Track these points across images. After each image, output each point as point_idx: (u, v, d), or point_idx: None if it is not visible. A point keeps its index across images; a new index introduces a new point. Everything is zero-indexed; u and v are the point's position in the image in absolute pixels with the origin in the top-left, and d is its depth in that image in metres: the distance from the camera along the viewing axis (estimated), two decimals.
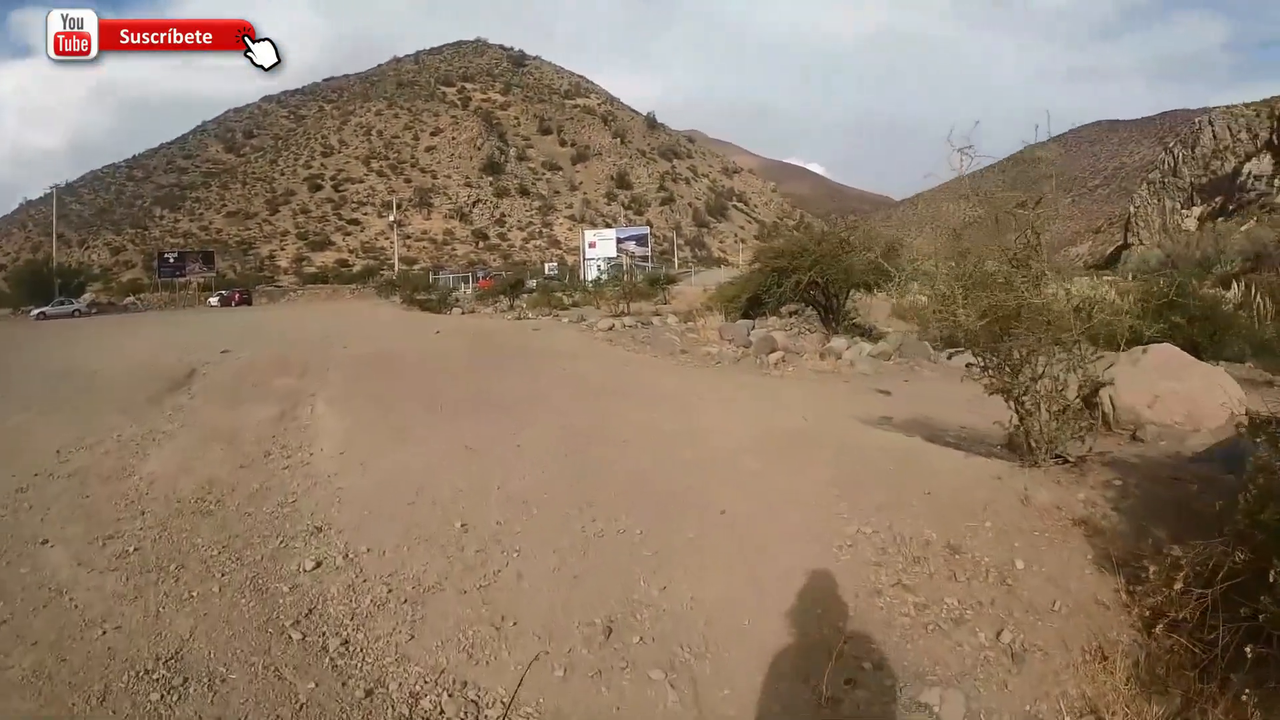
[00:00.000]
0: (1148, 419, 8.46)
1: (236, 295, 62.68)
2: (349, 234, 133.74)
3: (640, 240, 77.40)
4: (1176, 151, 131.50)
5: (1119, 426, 8.48)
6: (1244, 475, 3.94)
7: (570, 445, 7.42)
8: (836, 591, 4.57)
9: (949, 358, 14.26)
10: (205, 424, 8.87)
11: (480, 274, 74.57)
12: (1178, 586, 3.65)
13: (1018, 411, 5.86)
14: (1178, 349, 9.64)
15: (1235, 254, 71.28)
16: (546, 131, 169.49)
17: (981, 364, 6.04)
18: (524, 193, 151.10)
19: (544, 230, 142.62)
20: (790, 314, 20.34)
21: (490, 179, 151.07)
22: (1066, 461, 5.70)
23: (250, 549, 5.55)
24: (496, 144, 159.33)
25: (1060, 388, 5.65)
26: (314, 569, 5.26)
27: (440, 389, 10.92)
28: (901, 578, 4.63)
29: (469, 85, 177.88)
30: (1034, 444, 5.75)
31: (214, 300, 59.96)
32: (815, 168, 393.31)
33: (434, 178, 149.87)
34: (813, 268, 17.91)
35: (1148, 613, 3.88)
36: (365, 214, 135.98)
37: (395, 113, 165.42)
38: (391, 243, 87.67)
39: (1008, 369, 5.77)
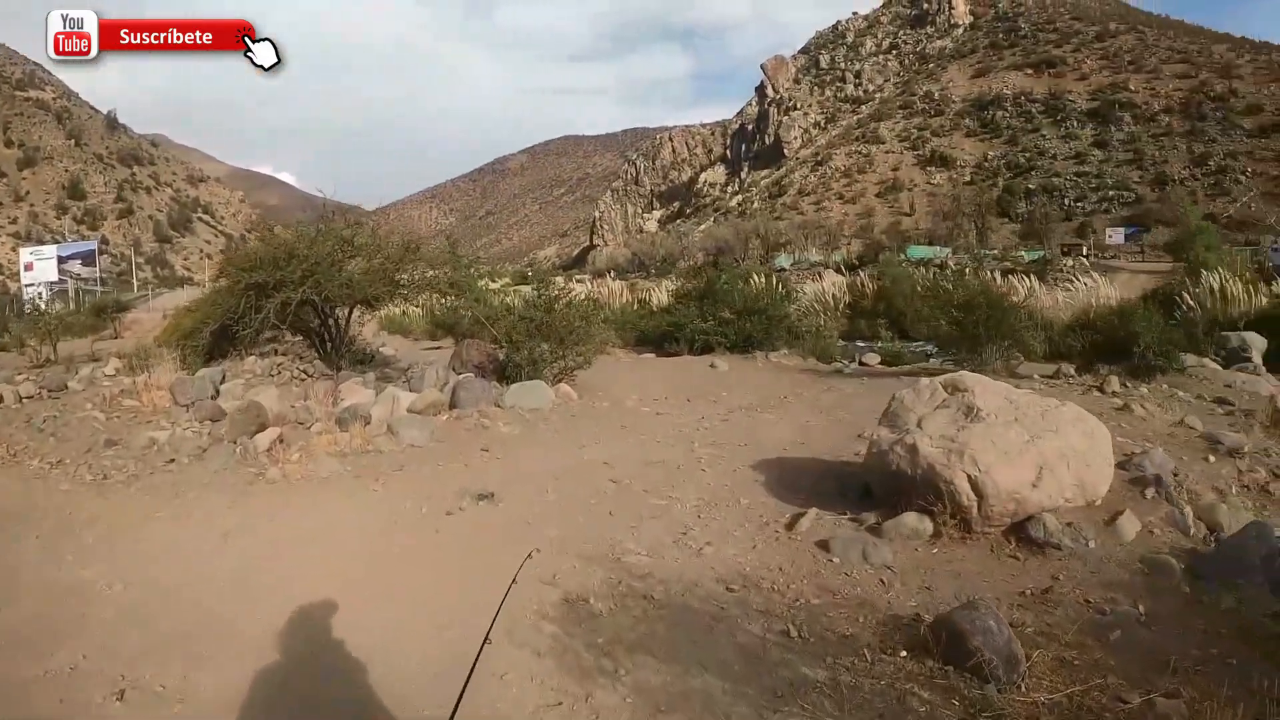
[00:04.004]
0: (1036, 504, 5.09)
1: None
2: None
3: (87, 258, 63.32)
4: (639, 163, 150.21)
5: (990, 523, 5.10)
6: None
7: None
8: None
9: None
10: None
11: None
12: None
13: None
14: (976, 374, 6.48)
15: (697, 250, 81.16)
16: None
17: None
18: None
19: None
20: (270, 343, 14.25)
21: None
22: None
23: None
24: None
25: None
26: None
27: None
28: None
29: None
30: None
31: None
32: (286, 176, 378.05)
33: None
34: (306, 280, 11.89)
35: None
36: None
37: None
38: None
39: None
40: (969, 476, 4.86)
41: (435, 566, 4.97)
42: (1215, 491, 6.11)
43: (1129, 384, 11.22)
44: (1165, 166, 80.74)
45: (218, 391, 10.74)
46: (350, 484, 7.00)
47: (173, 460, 8.04)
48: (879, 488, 5.56)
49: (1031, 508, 4.91)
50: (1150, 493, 5.55)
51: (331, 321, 13.78)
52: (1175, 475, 6.11)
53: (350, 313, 14.05)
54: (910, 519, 5.03)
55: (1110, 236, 66.56)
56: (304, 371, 13.20)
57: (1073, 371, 12.27)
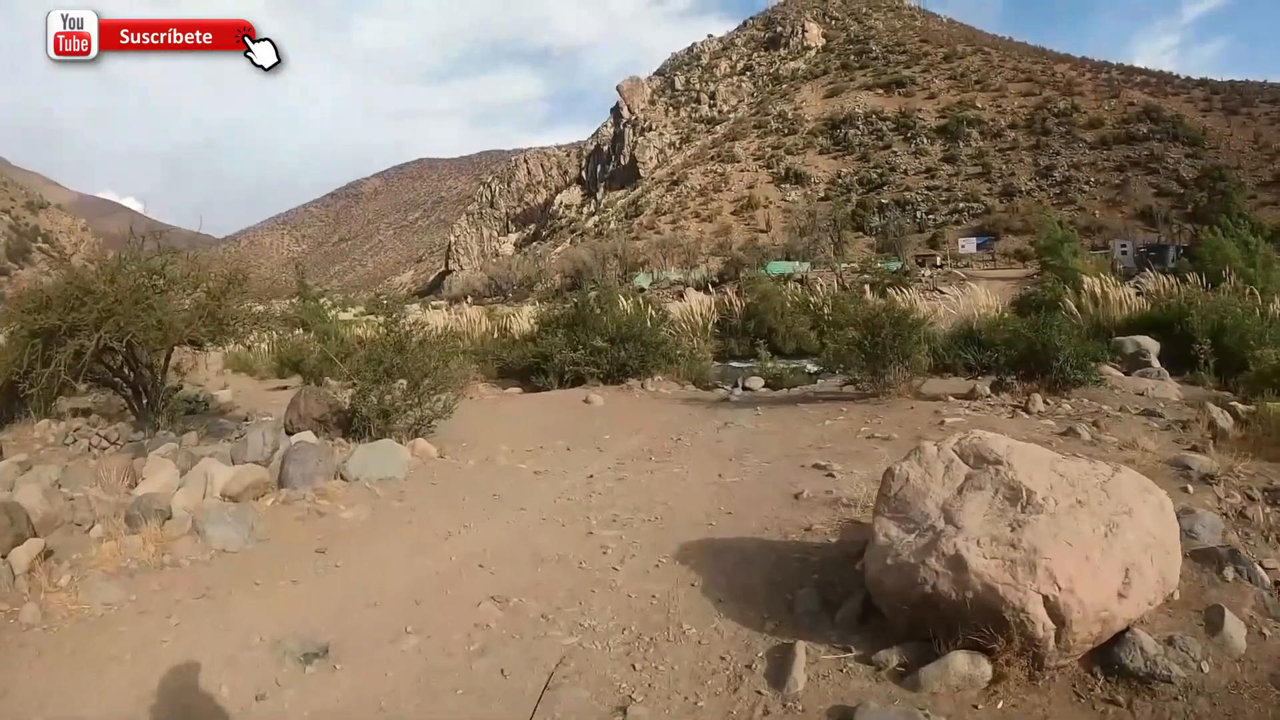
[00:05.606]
0: (1124, 618, 3.56)
1: None
2: None
3: None
4: (494, 186, 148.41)
5: (1068, 653, 3.48)
6: None
7: None
8: None
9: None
10: None
11: None
12: None
13: None
14: (1002, 436, 5.03)
15: (554, 272, 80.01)
16: None
17: None
18: None
19: None
20: (91, 390, 12.49)
21: None
22: None
23: None
24: None
25: None
26: None
27: None
28: None
29: None
30: None
31: None
32: (131, 203, 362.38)
33: None
34: (104, 322, 9.83)
35: None
36: None
37: None
38: None
39: None
40: (1045, 598, 3.27)
41: None
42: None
43: (1050, 401, 10.46)
44: (1012, 179, 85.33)
45: None
46: (129, 628, 4.69)
47: None
48: (898, 613, 3.85)
49: (1117, 624, 3.40)
50: (1229, 573, 4.14)
51: (145, 370, 11.56)
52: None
53: (168, 359, 11.90)
54: (960, 662, 3.38)
55: (963, 246, 69.25)
56: (105, 438, 10.82)
57: (988, 390, 11.36)
